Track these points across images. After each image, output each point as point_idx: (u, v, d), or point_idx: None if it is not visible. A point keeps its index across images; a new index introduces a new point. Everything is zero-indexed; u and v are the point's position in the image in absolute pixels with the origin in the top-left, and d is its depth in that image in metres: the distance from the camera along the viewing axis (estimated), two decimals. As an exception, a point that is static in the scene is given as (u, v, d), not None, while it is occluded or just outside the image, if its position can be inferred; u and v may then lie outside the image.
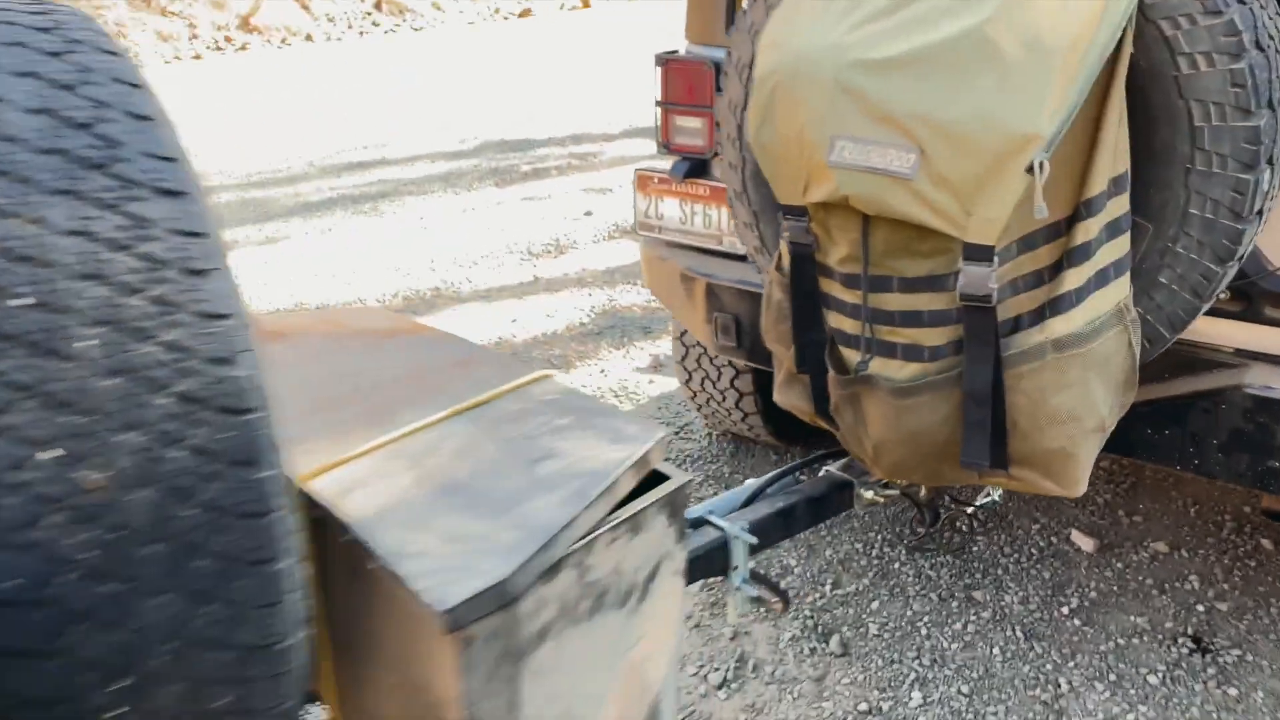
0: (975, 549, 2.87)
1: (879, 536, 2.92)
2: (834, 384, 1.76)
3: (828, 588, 2.75)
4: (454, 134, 8.39)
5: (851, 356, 1.72)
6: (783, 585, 2.78)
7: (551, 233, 5.79)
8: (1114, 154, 1.55)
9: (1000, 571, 2.78)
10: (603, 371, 4.07)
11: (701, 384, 3.22)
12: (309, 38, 17.37)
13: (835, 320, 1.73)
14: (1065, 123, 1.42)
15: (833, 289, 1.71)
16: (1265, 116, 1.56)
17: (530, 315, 4.65)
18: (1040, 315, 1.58)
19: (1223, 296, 2.00)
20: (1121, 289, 1.60)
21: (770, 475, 2.01)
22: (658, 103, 2.67)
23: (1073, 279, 1.56)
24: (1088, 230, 1.55)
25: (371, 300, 4.90)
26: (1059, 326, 1.57)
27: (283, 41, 17.28)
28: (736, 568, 1.81)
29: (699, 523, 1.82)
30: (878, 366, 1.68)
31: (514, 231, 5.86)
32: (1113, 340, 1.59)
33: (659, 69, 2.64)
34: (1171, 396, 2.05)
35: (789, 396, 1.90)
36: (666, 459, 1.28)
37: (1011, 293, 1.59)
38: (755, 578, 1.83)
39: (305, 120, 9.35)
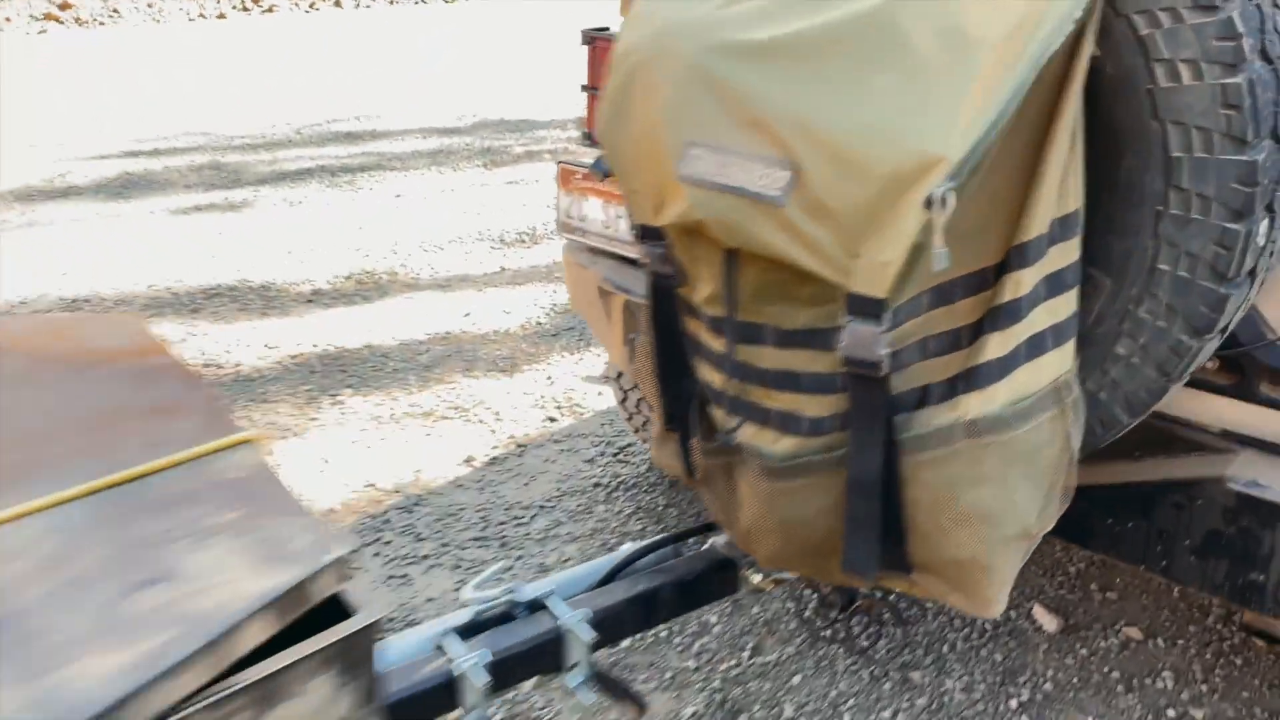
0: (920, 620, 2.51)
1: (816, 596, 2.57)
2: (700, 450, 1.41)
3: (746, 654, 2.41)
4: (453, 110, 8.06)
5: (724, 418, 1.37)
6: (696, 647, 2.43)
7: (529, 220, 5.45)
8: (1061, 187, 1.19)
9: (945, 649, 2.42)
10: (549, 379, 3.73)
11: (638, 406, 2.88)
12: (338, 3, 17.11)
13: (705, 372, 1.38)
14: (986, 142, 1.06)
15: (701, 333, 1.35)
16: (1266, 149, 1.19)
17: (486, 310, 4.31)
18: (953, 388, 1.23)
19: (1210, 366, 1.63)
20: (1061, 361, 1.24)
21: (642, 545, 1.66)
22: (584, 87, 2.32)
23: (996, 345, 1.20)
24: (1018, 284, 1.19)
25: (322, 282, 4.58)
26: (975, 405, 1.21)
27: (311, 6, 17.02)
28: (575, 666, 1.46)
29: (536, 606, 1.48)
30: (749, 435, 1.33)
31: (490, 216, 5.52)
32: (1045, 427, 1.23)
33: (585, 48, 2.29)
34: (1139, 482, 1.69)
35: (662, 455, 1.55)
36: (381, 587, 0.87)
37: (920, 355, 1.23)
38: (600, 680, 1.48)
39: (306, 87, 9.06)
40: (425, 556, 2.75)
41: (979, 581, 1.28)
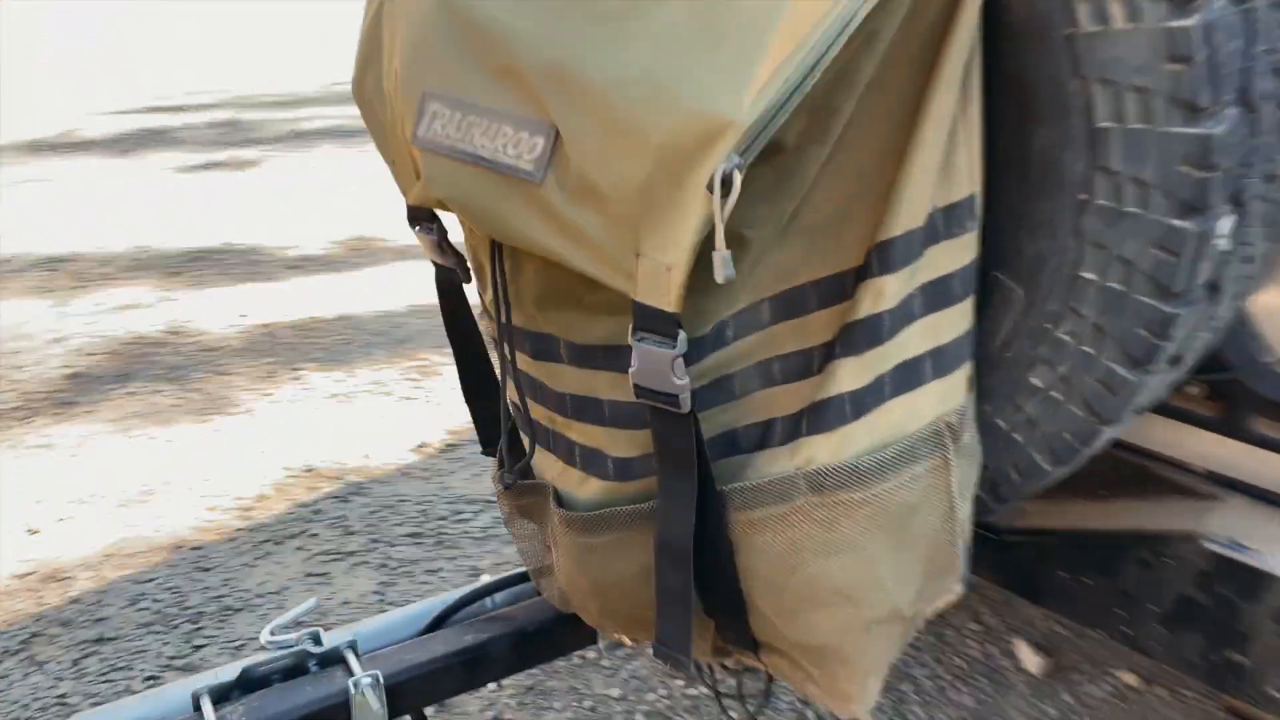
0: (884, 652, 2.21)
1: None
2: (500, 488, 1.14)
3: (679, 683, 2.14)
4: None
5: (532, 448, 1.10)
6: (625, 672, 2.18)
7: (540, 186, 5.19)
8: (946, 166, 0.89)
9: (907, 687, 2.13)
10: (524, 358, 3.47)
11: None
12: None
13: (509, 389, 1.10)
14: (793, 99, 0.76)
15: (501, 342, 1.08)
16: (1228, 120, 0.87)
17: (477, 280, 4.06)
18: (796, 428, 0.93)
19: (1193, 393, 1.31)
20: (946, 396, 0.94)
21: (494, 580, 1.40)
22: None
23: (850, 375, 0.91)
24: (880, 294, 0.89)
25: (312, 246, 4.37)
26: (821, 452, 0.92)
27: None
28: (370, 735, 1.21)
29: (332, 658, 1.23)
30: (550, 473, 1.05)
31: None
32: (922, 482, 0.93)
33: None
34: (1101, 530, 1.38)
35: (497, 482, 1.28)
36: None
37: (761, 382, 0.94)
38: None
39: (346, 43, 8.88)
40: (352, 553, 2.53)
41: (835, 673, 1.00)
